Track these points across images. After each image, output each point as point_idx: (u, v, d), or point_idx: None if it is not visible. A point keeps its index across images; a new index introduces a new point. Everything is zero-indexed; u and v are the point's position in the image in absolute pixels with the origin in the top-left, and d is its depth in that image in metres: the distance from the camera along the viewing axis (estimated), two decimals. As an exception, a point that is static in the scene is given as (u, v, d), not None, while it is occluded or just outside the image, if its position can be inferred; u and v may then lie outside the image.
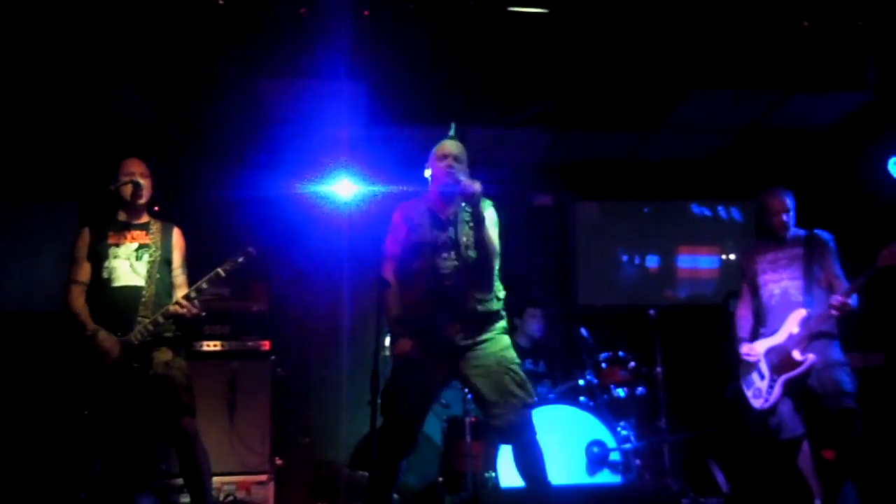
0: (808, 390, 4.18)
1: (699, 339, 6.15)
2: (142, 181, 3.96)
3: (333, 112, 5.61)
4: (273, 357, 5.34)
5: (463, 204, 3.71)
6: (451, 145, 3.77)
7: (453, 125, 3.89)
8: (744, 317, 4.54)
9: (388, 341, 5.07)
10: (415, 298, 3.66)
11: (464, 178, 3.60)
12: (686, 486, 5.08)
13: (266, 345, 5.32)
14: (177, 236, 4.09)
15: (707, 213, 7.06)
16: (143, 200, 3.99)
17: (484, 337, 3.62)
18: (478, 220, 3.61)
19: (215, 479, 4.73)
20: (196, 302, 3.83)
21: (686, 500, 4.89)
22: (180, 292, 3.92)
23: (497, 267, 3.76)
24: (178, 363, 3.87)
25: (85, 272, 3.90)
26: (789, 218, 4.39)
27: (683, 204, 7.05)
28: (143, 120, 5.55)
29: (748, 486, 5.05)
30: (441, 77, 5.09)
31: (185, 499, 4.63)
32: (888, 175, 5.50)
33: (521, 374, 3.62)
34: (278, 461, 5.22)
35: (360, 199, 6.19)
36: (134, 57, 4.79)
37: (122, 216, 4.01)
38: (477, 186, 3.54)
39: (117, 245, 3.91)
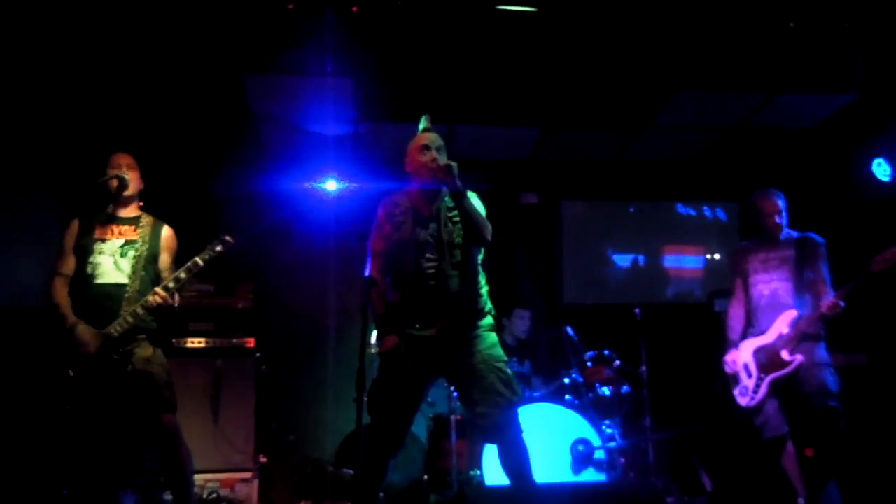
0: (793, 389, 4.22)
1: (684, 338, 6.20)
2: (127, 174, 3.92)
3: (320, 109, 5.59)
4: (258, 354, 5.33)
5: (446, 198, 3.69)
6: (429, 136, 3.70)
7: (426, 116, 3.80)
8: (735, 317, 4.54)
9: (374, 338, 5.09)
10: (399, 297, 3.63)
11: (437, 162, 3.55)
12: (670, 484, 5.10)
13: (251, 342, 5.30)
14: (167, 236, 4.03)
15: (692, 213, 7.10)
16: (129, 192, 3.95)
17: (470, 334, 3.60)
18: (457, 192, 3.51)
19: (199, 476, 4.71)
20: (174, 294, 3.79)
21: (670, 499, 4.90)
22: None
23: (480, 259, 3.73)
24: (158, 359, 3.84)
25: (69, 265, 3.86)
26: (782, 219, 4.42)
27: (669, 204, 7.08)
28: (126, 114, 5.50)
29: (732, 485, 5.07)
30: (428, 75, 5.09)
31: (169, 496, 4.60)
32: (872, 176, 5.54)
33: (508, 372, 3.59)
34: (262, 459, 5.21)
35: (347, 196, 6.19)
36: (117, 50, 4.75)
37: (110, 209, 3.97)
38: (451, 164, 3.48)
39: (103, 240, 3.88)
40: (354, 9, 4.38)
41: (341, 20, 4.54)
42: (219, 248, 3.81)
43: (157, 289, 3.77)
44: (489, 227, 3.60)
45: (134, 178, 3.96)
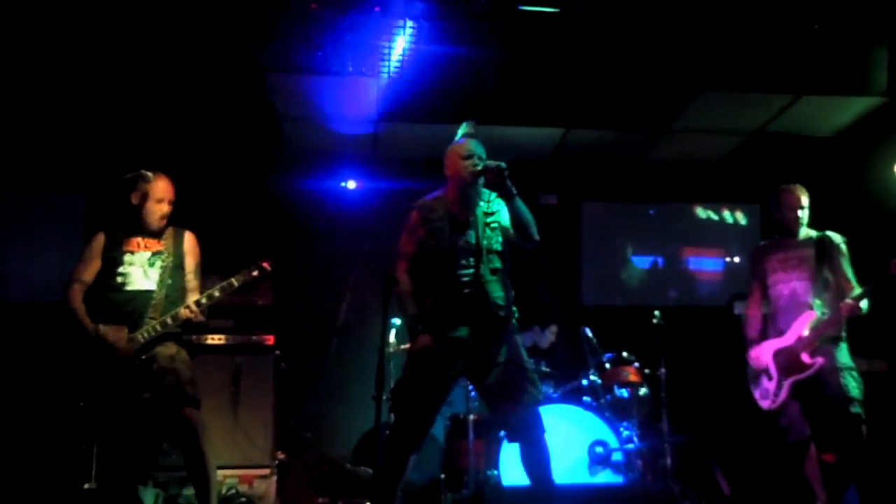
0: (815, 393, 4.19)
1: (703, 341, 6.17)
2: (157, 207, 3.96)
3: (341, 108, 5.62)
4: (277, 352, 5.35)
5: (482, 203, 3.70)
6: (474, 145, 3.71)
7: (472, 122, 3.81)
8: (754, 316, 4.53)
9: (392, 338, 5.10)
10: (433, 302, 3.63)
11: (486, 163, 3.58)
12: (687, 487, 5.07)
13: (270, 339, 5.32)
14: (189, 242, 4.09)
15: (712, 215, 7.07)
16: (155, 226, 4.00)
17: (500, 337, 3.62)
18: (510, 194, 3.55)
19: (218, 472, 4.72)
20: (204, 310, 3.89)
21: (687, 502, 4.88)
22: (192, 296, 3.95)
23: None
24: (182, 357, 3.91)
25: (90, 273, 3.92)
26: (803, 215, 4.41)
27: (689, 206, 7.06)
28: (151, 114, 5.55)
29: (750, 489, 5.05)
30: (451, 75, 5.10)
31: (187, 491, 4.64)
32: (894, 181, 5.50)
33: (533, 372, 3.64)
34: (281, 455, 5.22)
35: (367, 194, 6.22)
36: (143, 50, 4.80)
37: (135, 225, 4.00)
38: (501, 165, 3.52)
39: (132, 252, 3.95)
40: (377, 8, 4.40)
41: (364, 20, 4.56)
42: (255, 274, 3.90)
43: (190, 303, 3.85)
44: (533, 224, 3.64)
45: (162, 211, 3.99)
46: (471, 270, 3.60)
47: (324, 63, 4.86)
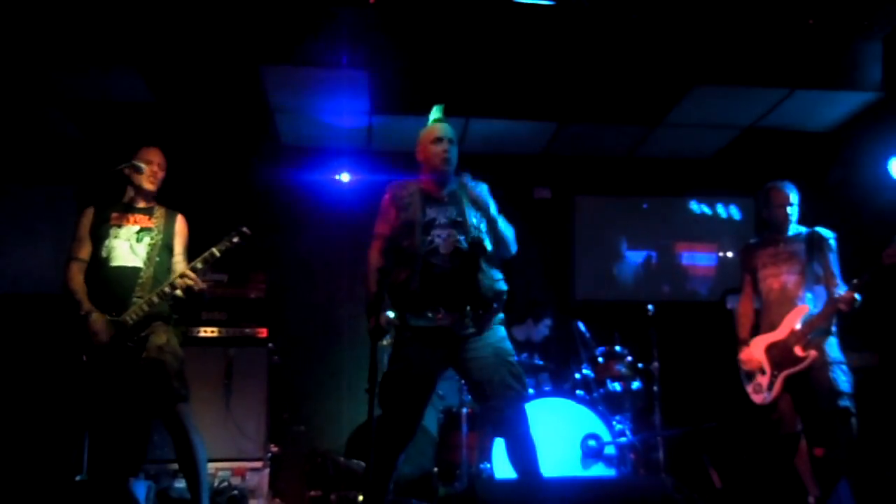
0: (804, 387, 4.20)
1: (696, 335, 6.18)
2: (146, 167, 3.96)
3: (335, 101, 5.60)
4: (270, 344, 5.33)
5: (465, 183, 3.71)
6: (443, 128, 3.74)
7: (439, 106, 3.83)
8: (745, 314, 4.55)
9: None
10: (405, 278, 3.59)
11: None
12: (680, 481, 5.08)
13: (263, 332, 5.30)
14: (180, 224, 4.09)
15: (706, 209, 7.08)
16: (150, 188, 4.00)
17: (482, 327, 3.60)
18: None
19: (210, 464, 4.72)
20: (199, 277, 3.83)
21: (679, 496, 4.89)
22: None
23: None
24: (171, 347, 3.85)
25: (86, 250, 3.91)
26: (792, 212, 4.41)
27: (682, 200, 7.06)
28: (143, 104, 5.52)
29: (741, 482, 5.06)
30: (444, 67, 5.08)
31: (180, 483, 4.63)
32: (888, 176, 5.50)
33: (518, 366, 3.62)
34: (273, 448, 5.22)
35: (360, 187, 6.21)
36: (136, 40, 4.77)
37: (126, 198, 4.02)
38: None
39: (119, 226, 3.93)
40: (372, 0, 4.38)
41: (358, 12, 4.54)
42: (236, 240, 3.85)
43: (185, 271, 3.79)
44: (512, 239, 3.71)
45: (155, 175, 4.00)
46: (450, 242, 3.56)
47: (317, 55, 4.84)
